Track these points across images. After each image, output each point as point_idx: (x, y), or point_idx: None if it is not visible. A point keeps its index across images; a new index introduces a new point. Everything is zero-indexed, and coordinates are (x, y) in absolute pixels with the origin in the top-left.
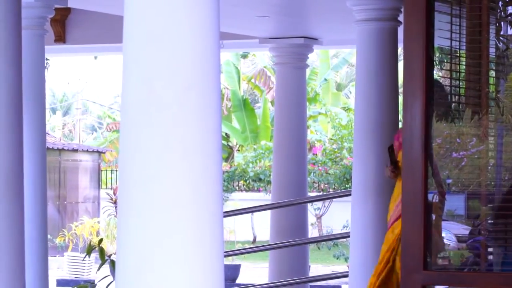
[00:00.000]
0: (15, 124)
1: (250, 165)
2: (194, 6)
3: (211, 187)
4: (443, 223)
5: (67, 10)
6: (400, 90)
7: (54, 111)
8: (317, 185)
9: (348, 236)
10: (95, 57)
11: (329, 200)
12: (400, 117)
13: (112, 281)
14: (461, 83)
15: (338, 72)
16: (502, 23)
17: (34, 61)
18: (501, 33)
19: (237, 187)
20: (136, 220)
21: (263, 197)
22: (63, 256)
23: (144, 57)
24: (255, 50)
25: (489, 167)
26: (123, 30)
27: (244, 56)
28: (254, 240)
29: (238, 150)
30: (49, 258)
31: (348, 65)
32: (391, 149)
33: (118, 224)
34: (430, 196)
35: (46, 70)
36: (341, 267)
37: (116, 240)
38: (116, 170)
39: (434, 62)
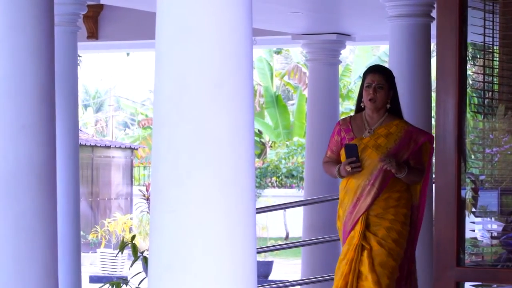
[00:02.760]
0: (48, 120)
1: (283, 161)
2: (227, 2)
3: (244, 184)
4: (477, 219)
5: (100, 7)
6: (433, 86)
7: (86, 107)
8: None
9: None
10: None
11: None
12: (433, 113)
13: (144, 278)
14: (494, 79)
15: None
16: None
17: (66, 58)
18: None
19: (269, 184)
20: (168, 217)
21: (296, 194)
22: (95, 252)
23: (176, 54)
24: (287, 47)
25: None
26: (155, 27)
27: (278, 52)
28: (287, 237)
29: (271, 147)
30: (82, 254)
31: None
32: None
33: (150, 221)
34: (463, 193)
35: (78, 66)
36: None
37: (148, 237)
38: (149, 167)
39: (467, 58)
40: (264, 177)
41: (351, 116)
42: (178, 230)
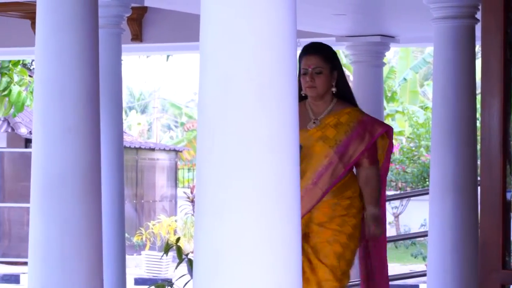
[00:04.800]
0: (93, 123)
1: None
2: (271, 4)
3: (289, 185)
4: None
5: (144, 9)
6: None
7: (131, 109)
8: (394, 183)
9: (426, 235)
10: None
11: (407, 198)
12: (478, 115)
13: (189, 280)
14: None
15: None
16: None
17: (111, 60)
18: None
19: None
20: (213, 219)
21: None
22: (140, 254)
23: (221, 55)
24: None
25: None
26: (199, 29)
27: None
28: None
29: None
30: (127, 256)
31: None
32: None
33: (195, 223)
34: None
35: None
36: (419, 266)
37: (193, 239)
38: (193, 169)
39: None
40: None
41: None
42: (223, 232)
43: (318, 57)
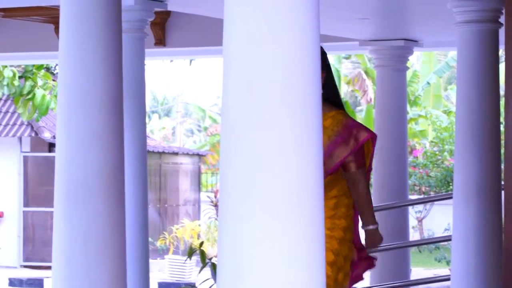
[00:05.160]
0: (116, 127)
1: None
2: (294, 8)
3: (312, 189)
4: None
5: (167, 14)
6: (502, 92)
7: (154, 114)
8: (418, 187)
9: (450, 239)
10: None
11: (430, 203)
12: (502, 119)
13: (213, 284)
14: None
15: (441, 78)
16: None
17: (134, 64)
18: None
19: None
20: (237, 222)
21: None
22: (164, 259)
23: (244, 59)
24: (355, 53)
25: None
26: (223, 33)
27: (347, 57)
28: None
29: None
30: (150, 260)
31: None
32: None
33: (219, 227)
34: None
35: None
36: (442, 271)
37: (217, 243)
38: (217, 173)
39: None
40: None
41: None
42: (247, 236)
43: None
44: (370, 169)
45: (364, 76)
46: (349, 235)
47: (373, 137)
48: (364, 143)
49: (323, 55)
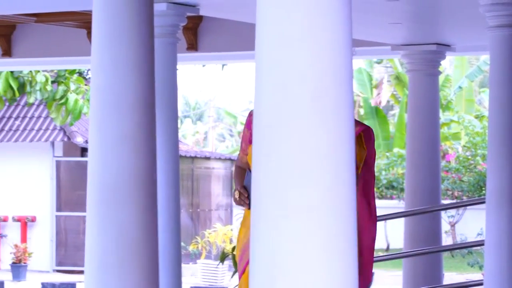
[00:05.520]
0: (149, 132)
1: (383, 172)
2: (327, 13)
3: (345, 194)
4: None
5: (199, 18)
6: None
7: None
8: (450, 192)
9: (483, 244)
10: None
11: (463, 207)
12: None
13: None
14: None
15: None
16: None
17: (166, 69)
18: None
19: None
20: (269, 227)
21: (397, 205)
22: (196, 263)
23: (276, 64)
24: (387, 57)
25: None
26: (255, 38)
27: (378, 62)
28: (388, 248)
29: None
30: (183, 265)
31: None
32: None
33: (251, 231)
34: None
35: None
36: (475, 275)
37: (249, 247)
38: None
39: None
40: None
41: None
42: (279, 241)
43: None
44: (369, 165)
45: (393, 82)
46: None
47: (364, 130)
48: (357, 137)
49: None
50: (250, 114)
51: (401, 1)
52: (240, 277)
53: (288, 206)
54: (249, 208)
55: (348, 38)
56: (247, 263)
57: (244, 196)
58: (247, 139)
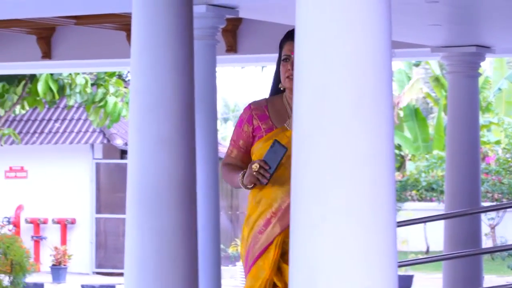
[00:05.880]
0: (188, 134)
1: (423, 174)
2: (366, 15)
3: (384, 197)
4: None
5: (239, 20)
6: None
7: (226, 120)
8: (490, 195)
9: None
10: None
11: (503, 210)
12: None
13: None
14: None
15: None
16: None
17: (206, 71)
18: None
19: (409, 197)
20: (309, 232)
21: (436, 207)
22: (235, 266)
23: (316, 66)
24: (426, 59)
25: None
26: (294, 40)
27: (417, 64)
28: (427, 251)
29: (410, 160)
30: (222, 267)
31: None
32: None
33: (291, 235)
34: None
35: None
36: None
37: (289, 251)
38: None
39: None
40: (404, 191)
41: (266, 99)
42: (318, 244)
43: None
44: None
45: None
46: None
47: None
48: None
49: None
50: (252, 109)
51: (440, 2)
52: (246, 277)
53: (328, 209)
54: (266, 184)
55: (387, 40)
56: (253, 263)
57: (264, 169)
58: (247, 136)
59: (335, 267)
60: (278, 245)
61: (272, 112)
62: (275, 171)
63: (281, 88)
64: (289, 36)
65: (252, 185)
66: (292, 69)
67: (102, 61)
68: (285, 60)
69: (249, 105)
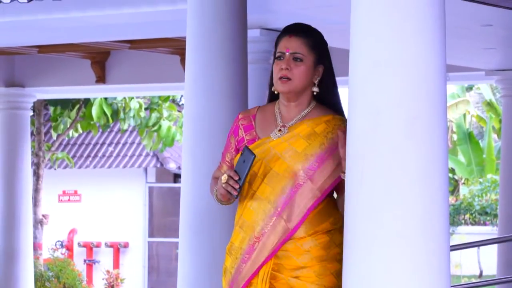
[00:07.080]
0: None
1: (476, 198)
2: (421, 39)
3: (438, 220)
4: None
5: None
6: None
7: None
8: None
9: None
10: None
11: None
12: None
13: None
14: None
15: None
16: None
17: (260, 95)
18: None
19: (463, 221)
20: (362, 252)
21: (490, 231)
22: None
23: (370, 89)
24: (480, 83)
25: None
26: (349, 63)
27: (469, 88)
28: (481, 275)
29: (464, 183)
30: None
31: None
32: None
33: (344, 255)
34: None
35: None
36: None
37: (342, 271)
38: None
39: None
40: (457, 214)
41: (259, 107)
42: (372, 264)
43: (301, 41)
44: None
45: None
46: (341, 281)
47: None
48: None
49: (324, 44)
50: (239, 119)
51: (495, 26)
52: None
53: (381, 232)
54: (236, 197)
55: (442, 63)
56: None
57: (233, 180)
58: (232, 148)
59: (388, 287)
60: (264, 279)
61: (259, 122)
62: (244, 181)
63: (275, 92)
64: (286, 31)
65: (226, 199)
66: (286, 67)
67: (155, 85)
68: (279, 58)
69: (238, 114)
